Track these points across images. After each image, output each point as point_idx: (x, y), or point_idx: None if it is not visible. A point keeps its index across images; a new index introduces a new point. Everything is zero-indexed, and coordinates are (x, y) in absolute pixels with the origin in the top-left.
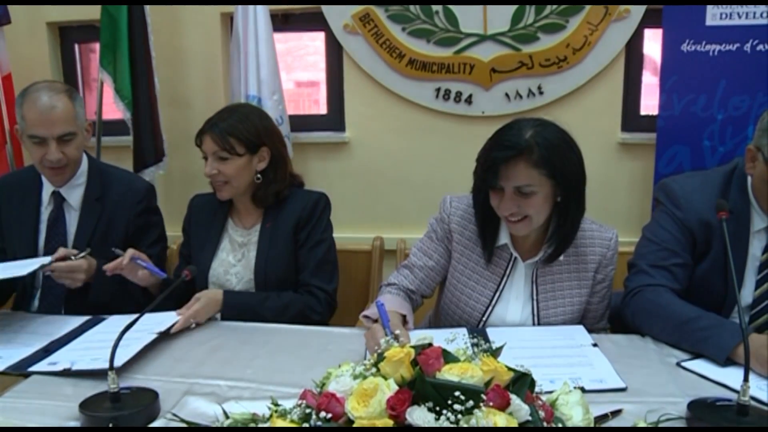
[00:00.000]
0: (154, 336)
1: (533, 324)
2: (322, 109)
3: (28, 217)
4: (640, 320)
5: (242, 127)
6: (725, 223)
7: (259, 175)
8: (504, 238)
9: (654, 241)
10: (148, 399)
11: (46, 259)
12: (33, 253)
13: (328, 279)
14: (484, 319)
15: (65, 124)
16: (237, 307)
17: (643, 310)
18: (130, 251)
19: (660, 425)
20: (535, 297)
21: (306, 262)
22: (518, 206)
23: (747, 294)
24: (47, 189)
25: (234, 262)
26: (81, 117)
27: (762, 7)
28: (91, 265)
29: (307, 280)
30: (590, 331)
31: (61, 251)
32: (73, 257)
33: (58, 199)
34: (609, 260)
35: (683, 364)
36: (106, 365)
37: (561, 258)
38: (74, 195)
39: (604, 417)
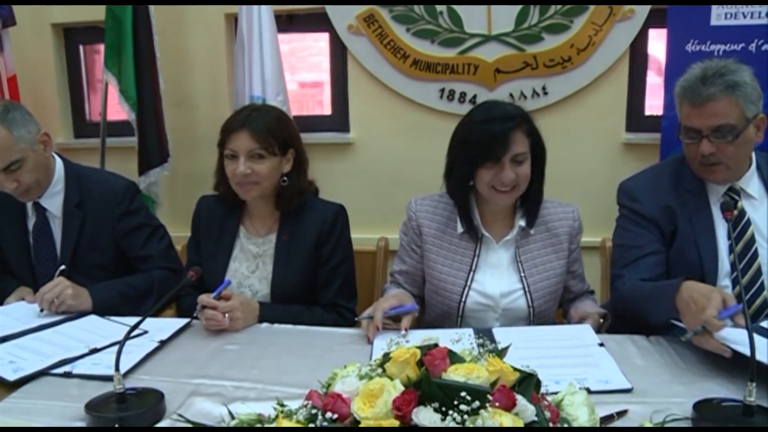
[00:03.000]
0: (156, 344)
1: (524, 293)
2: (326, 110)
3: (18, 230)
4: (620, 317)
5: (277, 127)
6: (686, 201)
7: (285, 178)
8: (475, 221)
9: (619, 245)
10: (154, 400)
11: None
12: (28, 265)
13: (351, 297)
14: (465, 293)
15: (5, 154)
16: (273, 321)
17: (618, 309)
18: (200, 299)
19: (666, 426)
20: (522, 272)
21: (330, 280)
22: (515, 175)
23: (726, 260)
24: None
25: (248, 273)
26: (25, 137)
27: (766, 7)
28: (79, 292)
29: (332, 300)
30: (576, 297)
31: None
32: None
33: (40, 210)
34: (577, 230)
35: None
36: (108, 371)
37: (536, 235)
38: (54, 203)
39: (609, 417)
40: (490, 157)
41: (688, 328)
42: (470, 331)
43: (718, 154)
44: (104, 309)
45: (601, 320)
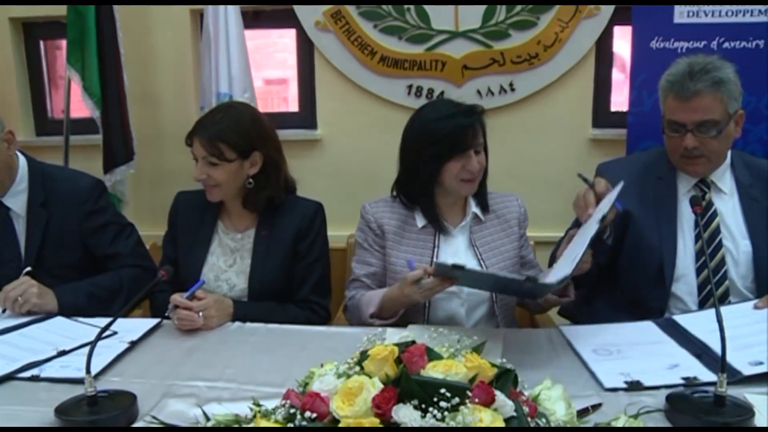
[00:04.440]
0: (126, 345)
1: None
2: (291, 107)
3: None
4: None
5: (232, 132)
6: (655, 187)
7: (251, 180)
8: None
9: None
10: (127, 402)
11: None
12: None
13: (325, 294)
14: None
15: None
16: (246, 319)
17: None
18: (173, 299)
19: (639, 418)
20: (480, 256)
21: (306, 277)
22: (479, 164)
23: (689, 248)
24: None
25: (225, 267)
26: None
27: (727, 6)
28: (44, 292)
29: (307, 296)
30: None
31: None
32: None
33: (4, 209)
34: (524, 216)
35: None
36: (78, 374)
37: (487, 222)
38: (18, 202)
39: (584, 411)
40: (459, 149)
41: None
42: (650, 323)
43: (701, 147)
44: (71, 310)
45: None
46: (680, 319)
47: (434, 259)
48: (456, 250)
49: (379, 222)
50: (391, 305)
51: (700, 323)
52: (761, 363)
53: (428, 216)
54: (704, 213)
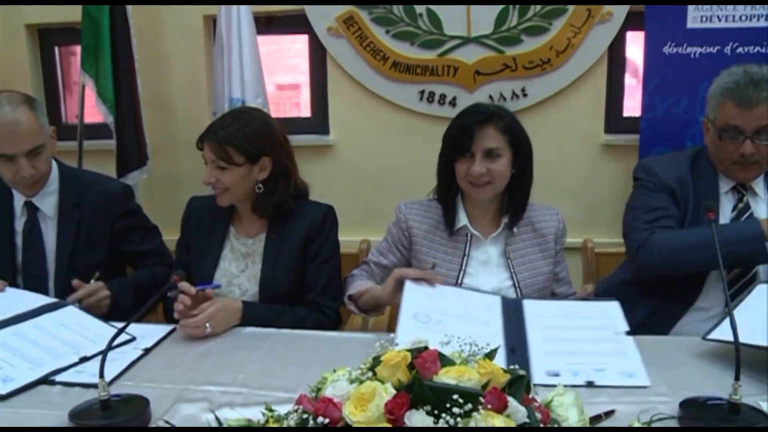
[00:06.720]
0: (140, 353)
1: (514, 289)
2: (304, 112)
3: (2, 229)
4: (670, 259)
5: (241, 137)
6: (697, 184)
7: (260, 185)
8: (462, 220)
9: (639, 207)
10: (139, 406)
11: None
12: (11, 266)
13: (336, 297)
14: None
15: (32, 138)
16: (255, 321)
17: (668, 249)
18: (182, 285)
19: (653, 425)
20: (512, 269)
21: (315, 279)
22: (487, 168)
23: None
24: (18, 199)
25: (237, 272)
26: (45, 126)
27: (741, 10)
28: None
29: (316, 299)
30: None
31: (75, 282)
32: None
33: (32, 209)
34: (562, 231)
35: (708, 337)
36: (92, 379)
37: (523, 235)
38: (48, 203)
39: (597, 418)
40: (460, 150)
41: None
42: (497, 299)
43: (756, 154)
44: (122, 310)
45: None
46: (526, 303)
47: (463, 267)
48: (487, 260)
49: (408, 224)
50: (372, 302)
51: (541, 312)
52: (557, 375)
53: (448, 221)
54: (742, 213)
